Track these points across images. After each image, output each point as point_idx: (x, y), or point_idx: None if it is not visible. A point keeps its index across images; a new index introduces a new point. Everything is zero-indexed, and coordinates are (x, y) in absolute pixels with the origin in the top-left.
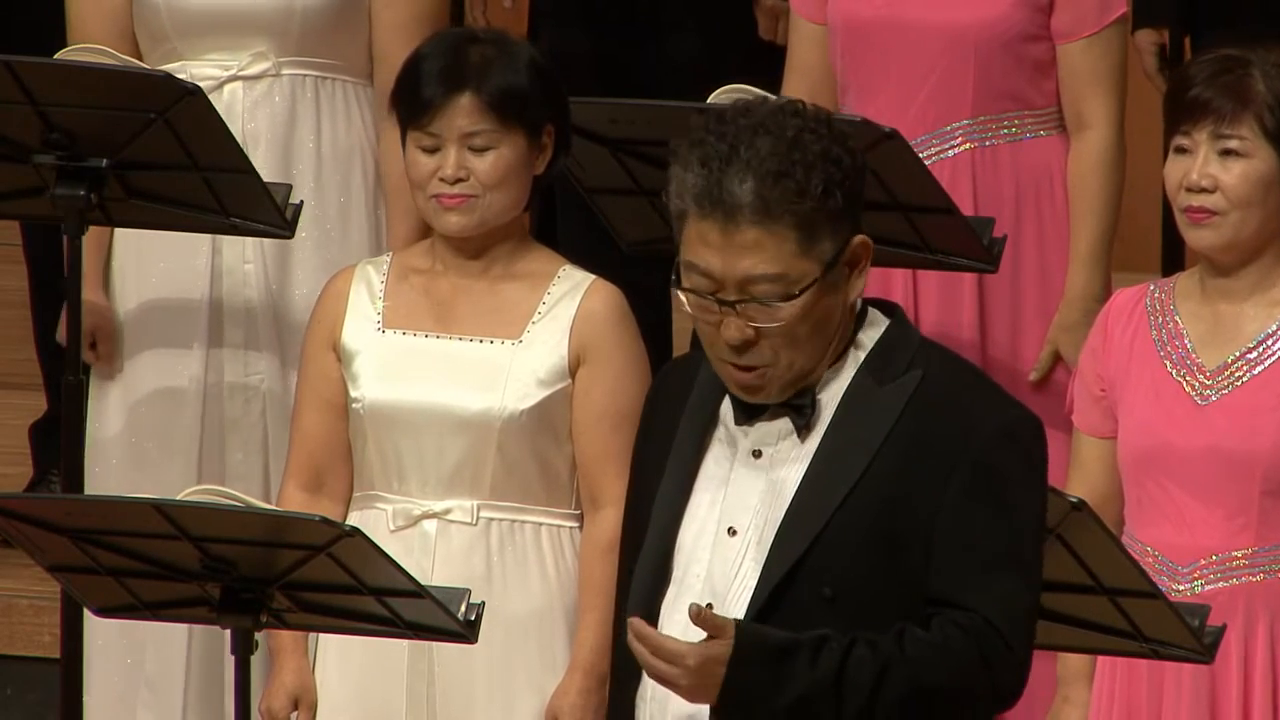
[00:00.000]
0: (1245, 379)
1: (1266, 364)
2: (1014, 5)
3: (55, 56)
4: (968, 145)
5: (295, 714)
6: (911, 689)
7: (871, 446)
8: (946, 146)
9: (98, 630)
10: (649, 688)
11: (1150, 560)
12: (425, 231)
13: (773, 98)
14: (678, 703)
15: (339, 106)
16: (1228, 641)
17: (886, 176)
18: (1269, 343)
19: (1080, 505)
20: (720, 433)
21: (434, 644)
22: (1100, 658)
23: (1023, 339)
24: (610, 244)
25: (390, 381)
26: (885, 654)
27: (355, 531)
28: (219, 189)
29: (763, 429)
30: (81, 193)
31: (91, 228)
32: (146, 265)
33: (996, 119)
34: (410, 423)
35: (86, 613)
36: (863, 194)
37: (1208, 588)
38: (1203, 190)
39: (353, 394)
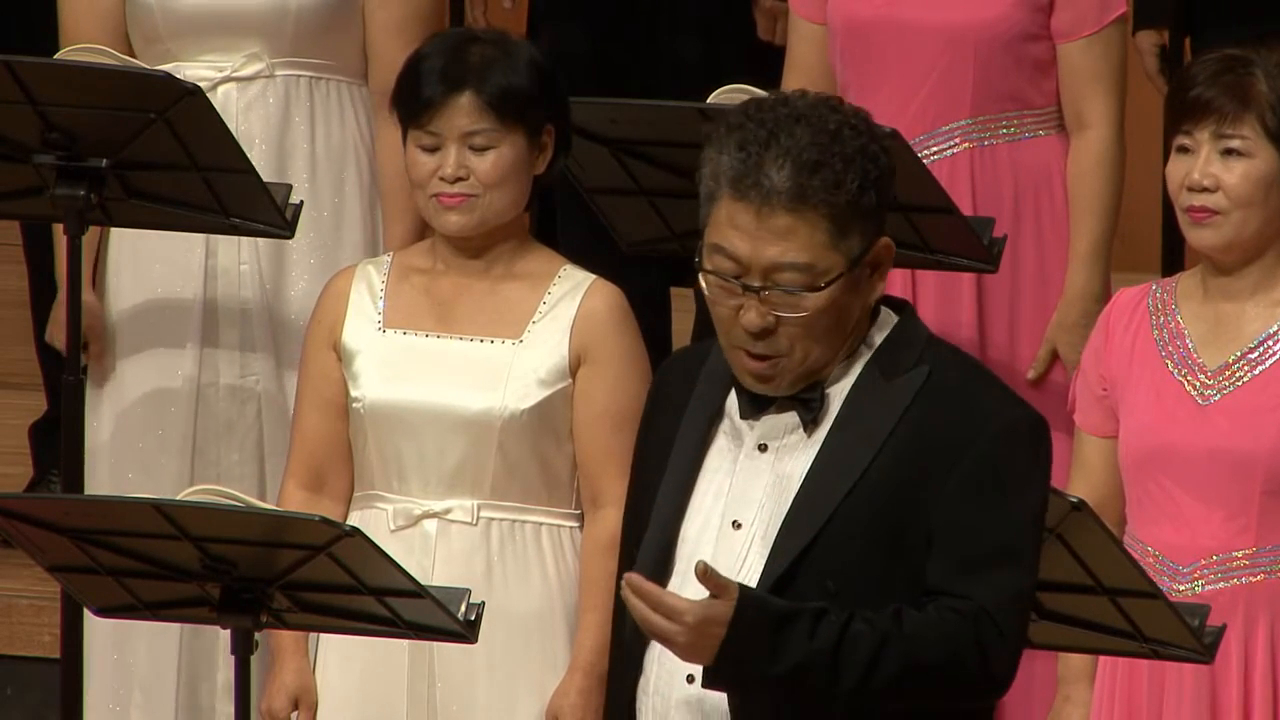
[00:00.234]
0: (1246, 379)
1: (1268, 364)
2: (1014, 5)
3: (55, 56)
4: (966, 145)
5: (295, 714)
6: (906, 666)
7: (877, 440)
8: (945, 146)
9: (89, 631)
10: (650, 681)
11: (1151, 560)
12: (422, 231)
13: (811, 92)
14: (680, 694)
15: (333, 107)
16: (1228, 642)
17: None
18: (1270, 343)
19: (1080, 505)
20: (725, 425)
21: (435, 644)
22: (1101, 658)
23: (1021, 338)
24: (610, 244)
25: (391, 381)
26: (882, 630)
27: (355, 531)
28: (219, 189)
29: (769, 422)
30: (81, 193)
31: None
32: (141, 266)
33: (995, 119)
34: (411, 422)
35: (86, 613)
36: (891, 196)
37: (1208, 588)
38: (1204, 190)
39: (353, 393)
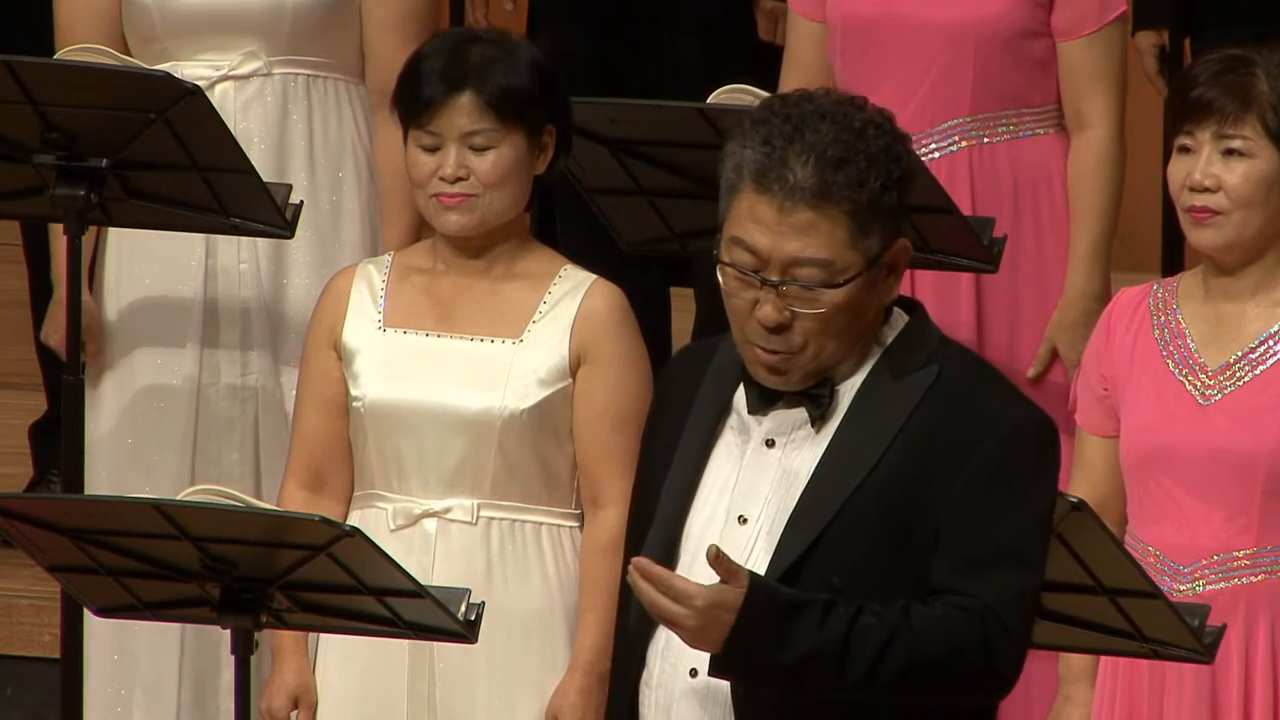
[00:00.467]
0: (1247, 379)
1: (1268, 364)
2: (1014, 3)
3: (55, 56)
4: (966, 143)
5: (295, 714)
6: (912, 662)
7: (885, 438)
8: (945, 144)
9: (89, 631)
10: (654, 674)
11: (1151, 560)
12: (420, 230)
13: (836, 90)
14: (684, 689)
15: (331, 105)
16: (1228, 642)
17: None
18: (1271, 343)
19: (1080, 505)
20: (733, 420)
21: (435, 644)
22: (1102, 658)
23: (1020, 338)
24: (610, 244)
25: (391, 380)
26: (890, 624)
27: (355, 531)
28: (219, 189)
29: (778, 418)
30: (81, 193)
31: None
32: (140, 265)
33: (995, 117)
34: (411, 422)
35: (86, 613)
36: (914, 198)
37: (1209, 588)
38: (1205, 190)
39: (353, 393)
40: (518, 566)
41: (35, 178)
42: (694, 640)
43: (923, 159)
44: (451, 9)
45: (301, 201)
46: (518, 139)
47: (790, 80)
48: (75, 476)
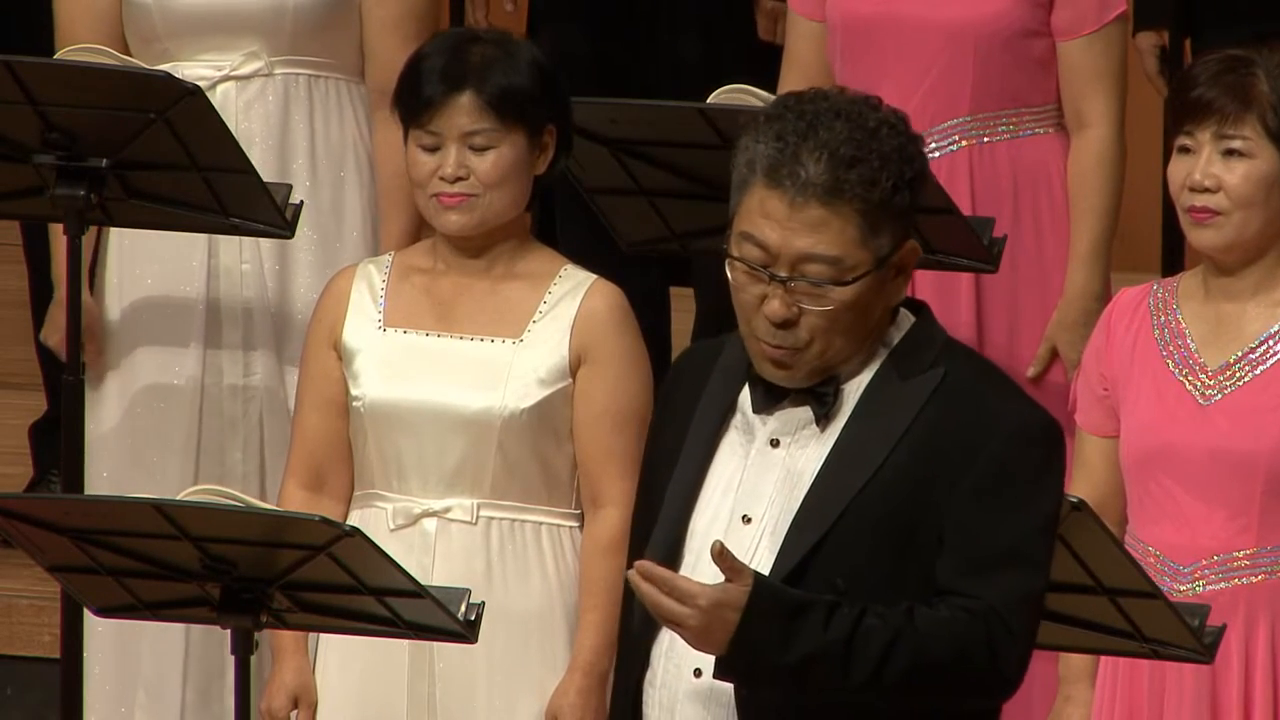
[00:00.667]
0: (1247, 379)
1: (1269, 364)
2: (1014, 3)
3: (55, 56)
4: (966, 143)
5: (295, 714)
6: (917, 662)
7: (891, 439)
8: (945, 144)
9: (92, 631)
10: (657, 674)
11: (1151, 560)
12: (419, 229)
13: (851, 90)
14: (688, 687)
15: (332, 105)
16: (1228, 642)
17: None
18: (1271, 343)
19: (1080, 505)
20: (738, 420)
21: (435, 644)
22: (1102, 658)
23: (1020, 338)
24: (610, 244)
25: (391, 380)
26: (895, 626)
27: (355, 531)
28: (219, 189)
29: (782, 417)
30: (81, 193)
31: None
32: (143, 266)
33: (995, 116)
34: (411, 421)
35: (87, 613)
36: (924, 200)
37: (1209, 588)
38: (1205, 190)
39: (353, 392)
40: (517, 566)
41: (35, 178)
42: (698, 641)
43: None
44: (451, 9)
45: (301, 201)
46: (518, 139)
47: (790, 80)
48: (75, 476)
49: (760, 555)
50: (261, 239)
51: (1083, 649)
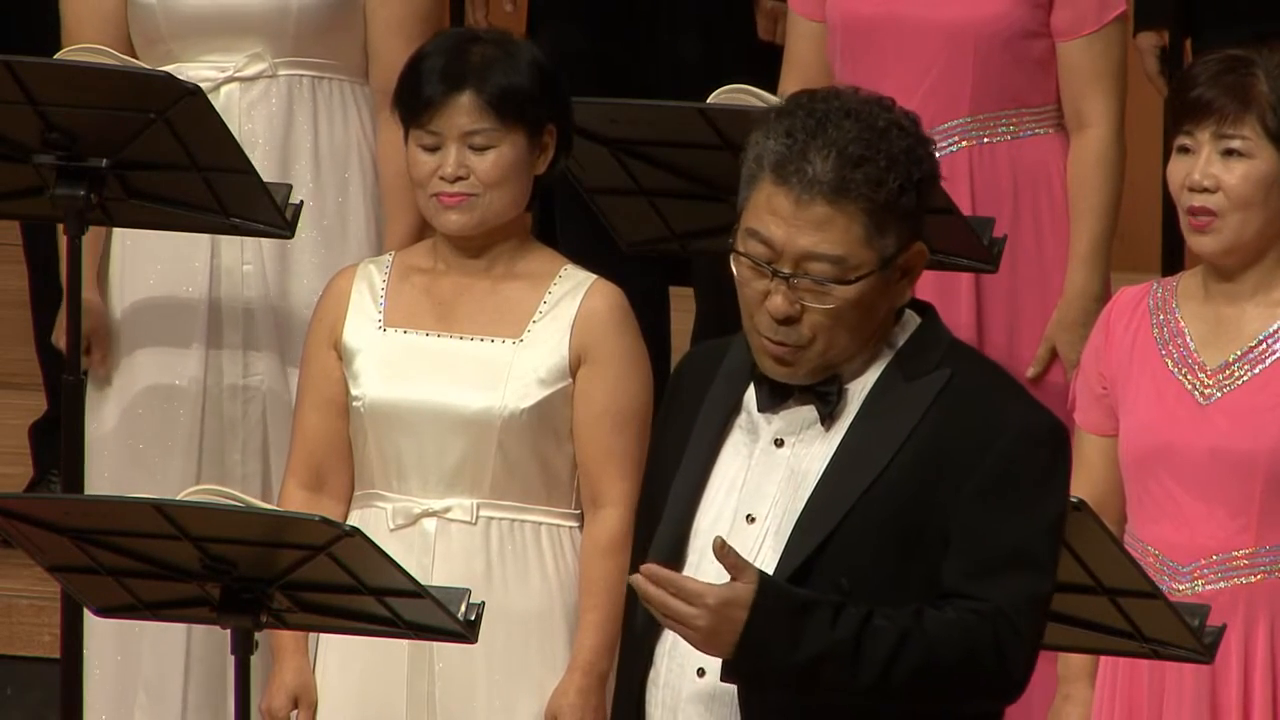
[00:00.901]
0: (1246, 378)
1: (1268, 363)
2: (1014, 3)
3: (55, 56)
4: (966, 143)
5: (295, 713)
6: (925, 664)
7: (896, 440)
8: (945, 144)
9: (93, 631)
10: (661, 674)
11: (1151, 559)
12: (422, 230)
13: (865, 90)
14: (691, 688)
15: (336, 106)
16: (1228, 641)
17: None
18: (1270, 342)
19: (1080, 505)
20: (742, 420)
21: (434, 644)
22: (1102, 657)
23: (1020, 338)
24: (610, 244)
25: (391, 380)
26: (902, 627)
27: (355, 531)
28: (219, 189)
29: (787, 417)
30: (81, 193)
31: (89, 228)
32: (145, 266)
33: (995, 117)
34: (411, 421)
35: (86, 613)
36: (934, 202)
37: (1208, 587)
38: (1204, 190)
39: (354, 392)
40: (517, 566)
41: (35, 178)
42: (705, 643)
43: None
44: (451, 9)
45: (301, 201)
46: (518, 139)
47: (790, 80)
48: (75, 476)
49: (764, 555)
50: (264, 239)
51: (1083, 649)
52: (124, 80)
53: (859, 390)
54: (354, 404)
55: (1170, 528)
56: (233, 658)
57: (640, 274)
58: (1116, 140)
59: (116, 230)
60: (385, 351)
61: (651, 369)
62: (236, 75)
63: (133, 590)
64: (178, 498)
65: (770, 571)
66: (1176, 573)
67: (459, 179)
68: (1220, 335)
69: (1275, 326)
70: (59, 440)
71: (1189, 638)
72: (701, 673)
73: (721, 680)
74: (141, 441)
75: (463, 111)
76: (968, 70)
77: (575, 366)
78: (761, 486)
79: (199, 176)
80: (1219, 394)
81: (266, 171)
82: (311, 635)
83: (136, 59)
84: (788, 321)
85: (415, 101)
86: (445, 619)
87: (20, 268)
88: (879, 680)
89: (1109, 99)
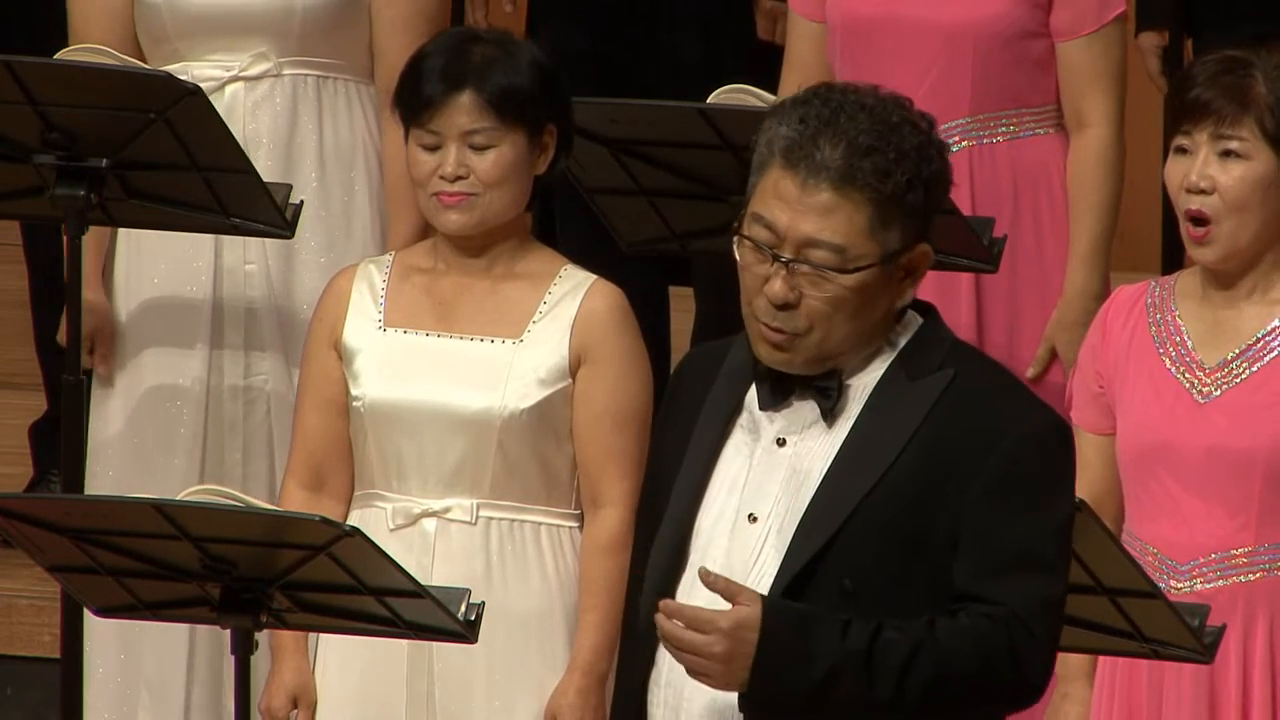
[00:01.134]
0: (1244, 376)
1: (1266, 360)
2: (1013, 3)
3: (55, 56)
4: (966, 143)
5: (295, 713)
6: (940, 674)
7: (900, 440)
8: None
9: (95, 630)
10: (663, 673)
11: (1150, 558)
12: (427, 230)
13: (881, 88)
14: (694, 689)
15: (341, 106)
16: (1227, 640)
17: None
18: (1268, 340)
19: (1080, 505)
20: (744, 419)
21: (434, 644)
22: (1101, 656)
23: (1020, 338)
24: (610, 244)
25: (391, 380)
26: (915, 637)
27: (355, 531)
28: (219, 189)
29: (789, 416)
30: (81, 193)
31: (93, 228)
32: (149, 266)
33: (995, 117)
34: (411, 421)
35: (86, 613)
36: (943, 205)
37: (1207, 586)
38: (1201, 192)
39: (354, 392)
40: (517, 566)
41: (35, 178)
42: (723, 672)
43: None
44: (451, 9)
45: (302, 201)
46: (518, 138)
47: (790, 80)
48: (75, 476)
49: (766, 554)
50: (269, 239)
51: (1083, 649)
52: (124, 80)
53: (861, 388)
54: (354, 404)
55: (1169, 526)
56: (232, 658)
57: (640, 274)
58: (1116, 140)
59: (121, 230)
60: (385, 351)
61: (651, 369)
62: (241, 75)
63: (133, 590)
64: (178, 498)
65: (774, 571)
66: (1175, 571)
67: (459, 178)
68: (1218, 334)
69: (1273, 325)
70: (59, 440)
71: (1189, 638)
72: None
73: (741, 711)
74: (146, 442)
75: (463, 111)
76: (967, 70)
77: (575, 366)
78: (763, 486)
79: (199, 176)
80: (1217, 392)
81: (271, 172)
82: (311, 635)
83: (144, 58)
84: (786, 307)
85: (415, 101)
86: (445, 619)
87: (20, 268)
88: (895, 693)
89: (1109, 99)
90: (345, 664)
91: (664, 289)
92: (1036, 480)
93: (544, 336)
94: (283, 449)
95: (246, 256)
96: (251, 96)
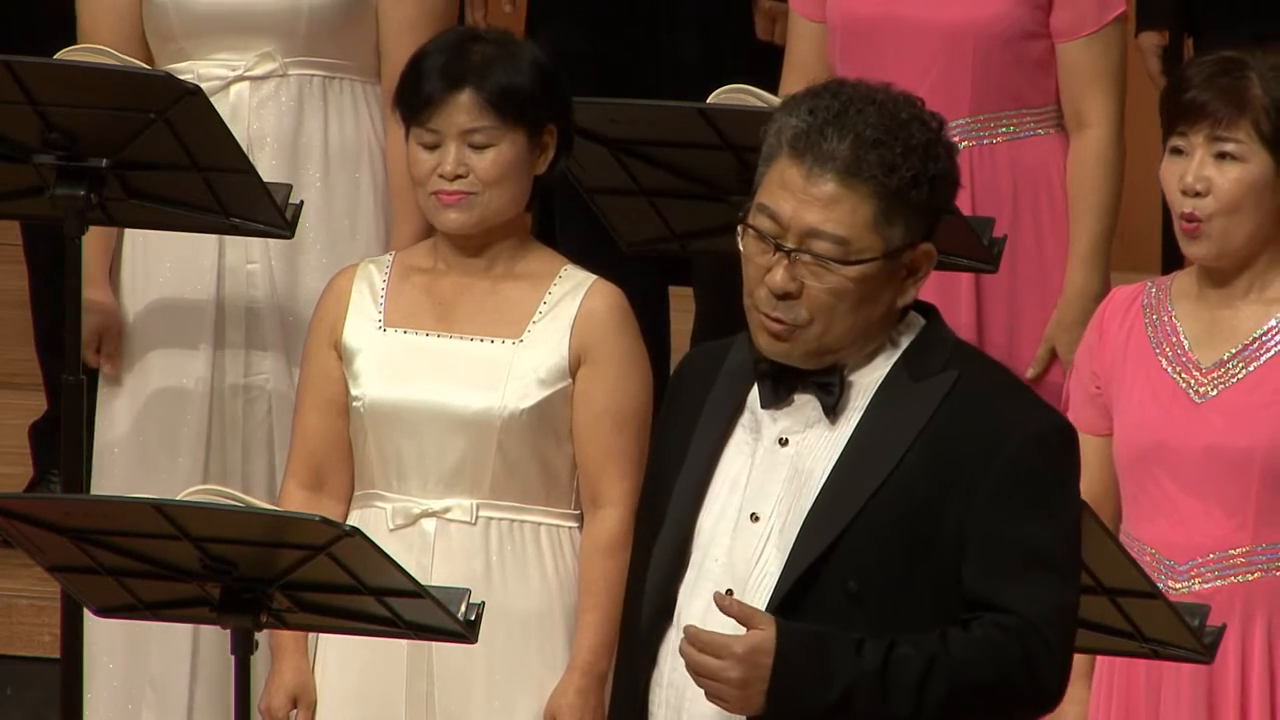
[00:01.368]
0: (1241, 376)
1: (1262, 360)
2: (1013, 3)
3: (56, 56)
4: (966, 143)
5: (295, 713)
6: (956, 687)
7: (904, 441)
8: None
9: (99, 630)
10: (664, 674)
11: (1148, 559)
12: (431, 231)
13: (894, 86)
14: (696, 687)
15: (346, 106)
16: (1225, 640)
17: None
18: (1265, 339)
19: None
20: (746, 419)
21: (434, 644)
22: (1099, 656)
23: (1020, 338)
24: (610, 244)
25: (391, 380)
26: (930, 652)
27: (355, 531)
28: (219, 189)
29: (791, 415)
30: (81, 193)
31: (98, 228)
32: (154, 266)
33: (995, 117)
34: (411, 421)
35: (86, 613)
36: (948, 206)
37: (1205, 586)
38: (1196, 194)
39: (354, 392)
40: (517, 566)
41: (35, 178)
42: (738, 697)
43: None
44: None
45: (302, 201)
46: (518, 138)
47: (790, 80)
48: (75, 476)
49: (769, 553)
50: (272, 239)
51: (1083, 649)
52: (124, 80)
53: (863, 386)
54: (354, 404)
55: (1167, 526)
56: (233, 658)
57: (640, 274)
58: (1116, 140)
59: (128, 230)
60: (385, 351)
61: (651, 369)
62: (247, 74)
63: (133, 590)
64: (178, 498)
65: (776, 571)
66: (1173, 572)
67: (458, 177)
68: (1214, 334)
69: (1269, 324)
70: (59, 440)
71: (1189, 638)
72: None
73: None
74: (151, 442)
75: (462, 110)
76: (967, 71)
77: (575, 367)
78: (765, 485)
79: (199, 176)
80: (1214, 392)
81: (276, 171)
82: (311, 635)
83: (151, 57)
84: (787, 297)
85: (415, 99)
86: (445, 619)
87: (20, 268)
88: (912, 710)
89: (1109, 99)
90: (345, 664)
91: (664, 289)
92: (1042, 481)
93: (544, 336)
94: (283, 448)
95: (250, 256)
96: (257, 96)
